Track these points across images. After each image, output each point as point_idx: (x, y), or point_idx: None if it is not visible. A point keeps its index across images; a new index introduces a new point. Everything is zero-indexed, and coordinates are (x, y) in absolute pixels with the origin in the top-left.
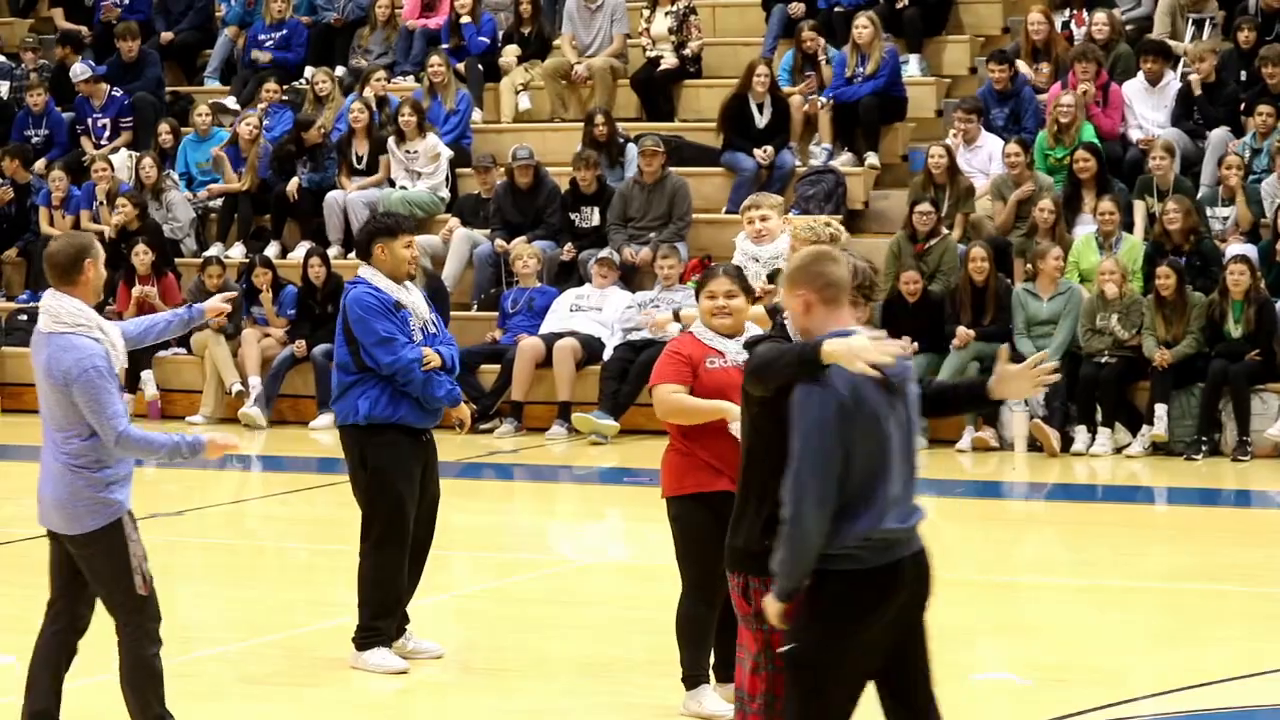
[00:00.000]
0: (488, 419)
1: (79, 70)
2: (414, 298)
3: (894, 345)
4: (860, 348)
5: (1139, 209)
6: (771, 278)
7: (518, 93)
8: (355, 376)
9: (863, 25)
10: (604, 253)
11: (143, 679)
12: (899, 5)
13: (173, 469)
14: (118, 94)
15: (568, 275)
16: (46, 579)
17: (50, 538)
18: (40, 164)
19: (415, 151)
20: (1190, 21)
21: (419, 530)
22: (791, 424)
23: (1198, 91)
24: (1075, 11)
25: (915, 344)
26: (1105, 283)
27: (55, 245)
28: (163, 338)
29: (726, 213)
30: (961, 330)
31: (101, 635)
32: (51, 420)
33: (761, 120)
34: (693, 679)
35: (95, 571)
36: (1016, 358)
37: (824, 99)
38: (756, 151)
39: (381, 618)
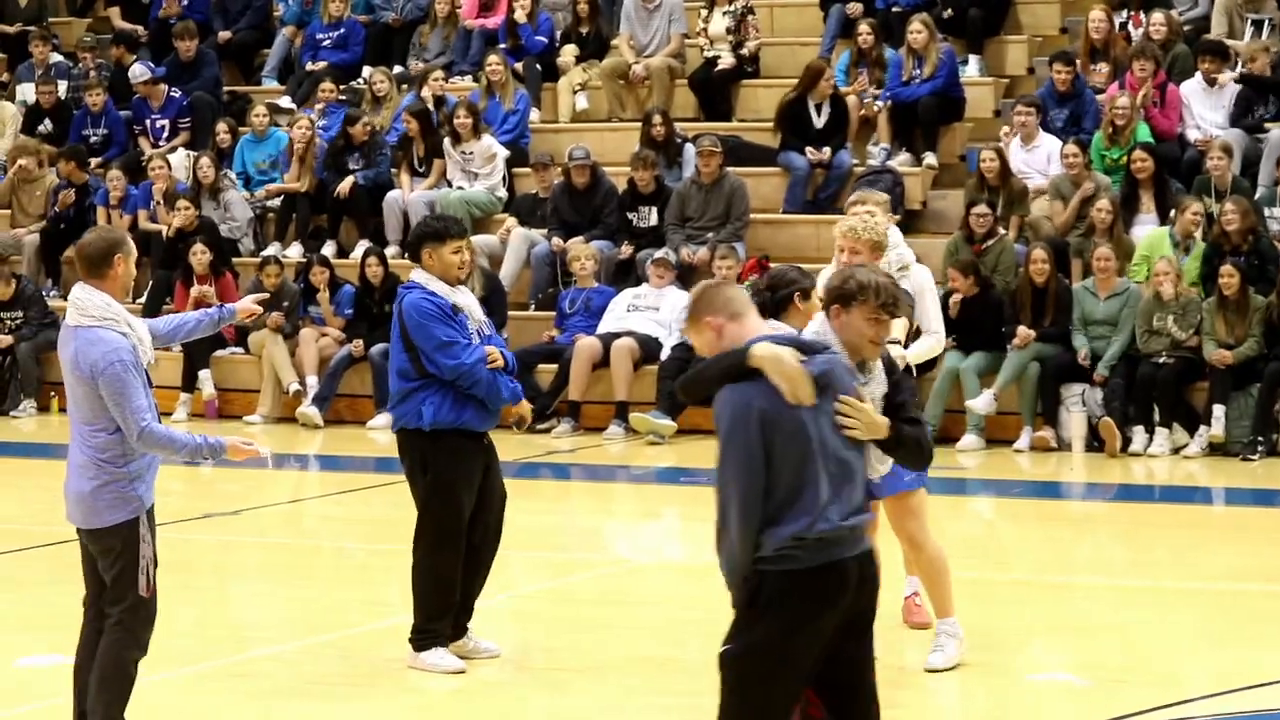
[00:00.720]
0: (545, 419)
1: (138, 71)
2: (469, 300)
3: (807, 388)
4: (788, 369)
5: (1185, 209)
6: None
7: (575, 92)
8: (417, 382)
9: (916, 30)
10: (661, 253)
11: (115, 680)
12: (951, 9)
13: (231, 469)
14: (176, 94)
15: (625, 275)
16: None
17: (79, 535)
18: (97, 163)
19: (471, 153)
20: (1249, 22)
21: (486, 532)
22: (716, 429)
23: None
24: (1133, 13)
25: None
26: (1161, 283)
27: (87, 239)
28: (193, 336)
29: (784, 213)
30: (1022, 330)
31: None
32: (78, 413)
33: (819, 121)
34: None
35: (106, 565)
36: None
37: (880, 103)
38: (810, 150)
39: (437, 619)
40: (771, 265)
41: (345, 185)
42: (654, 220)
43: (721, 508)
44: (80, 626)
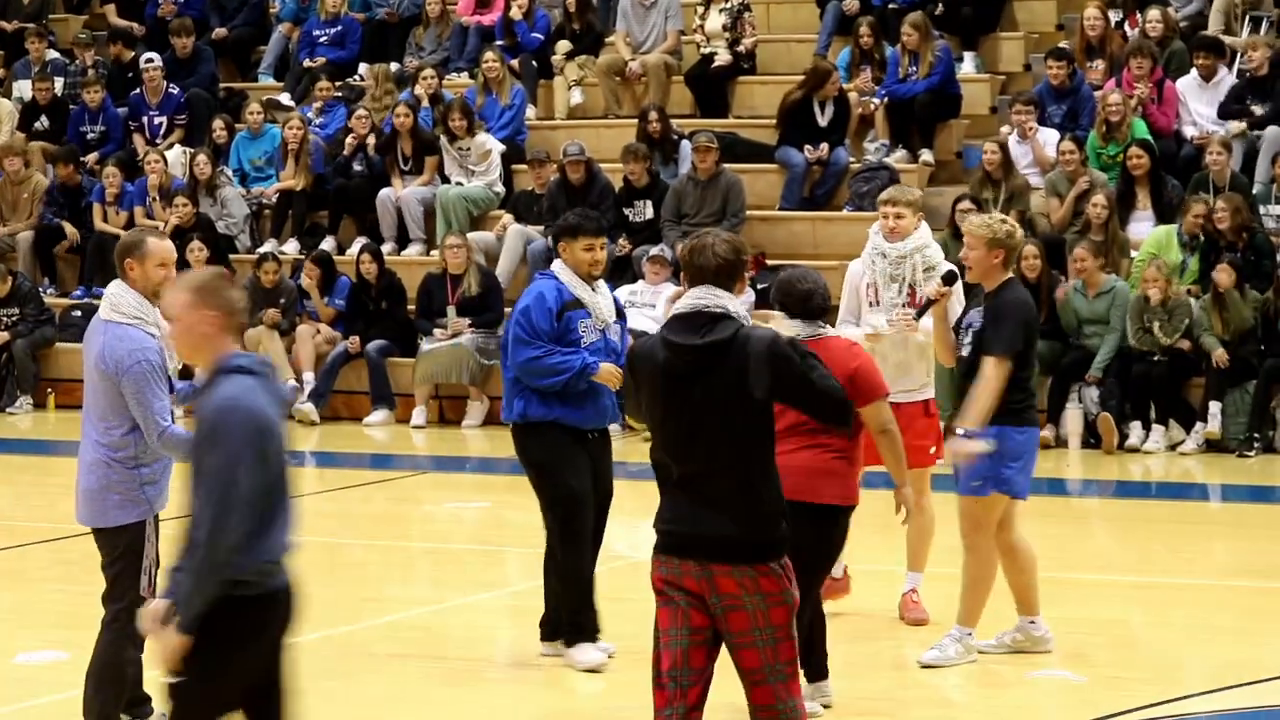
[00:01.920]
0: None
1: (147, 57)
2: (595, 298)
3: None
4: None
5: (1190, 208)
6: (949, 279)
7: (570, 88)
8: (513, 374)
9: (908, 32)
10: (656, 249)
11: (111, 680)
12: (943, 5)
13: None
14: (174, 91)
15: (621, 271)
16: (98, 574)
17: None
18: (93, 159)
19: (467, 149)
20: (1247, 19)
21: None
22: (209, 440)
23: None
24: (1130, 13)
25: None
26: (1149, 288)
27: (125, 237)
28: None
29: (780, 209)
30: None
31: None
32: (94, 409)
33: (824, 120)
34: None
35: (107, 564)
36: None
37: (876, 100)
38: (808, 148)
39: (581, 611)
40: (769, 262)
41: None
42: (649, 215)
43: (217, 528)
44: (101, 622)
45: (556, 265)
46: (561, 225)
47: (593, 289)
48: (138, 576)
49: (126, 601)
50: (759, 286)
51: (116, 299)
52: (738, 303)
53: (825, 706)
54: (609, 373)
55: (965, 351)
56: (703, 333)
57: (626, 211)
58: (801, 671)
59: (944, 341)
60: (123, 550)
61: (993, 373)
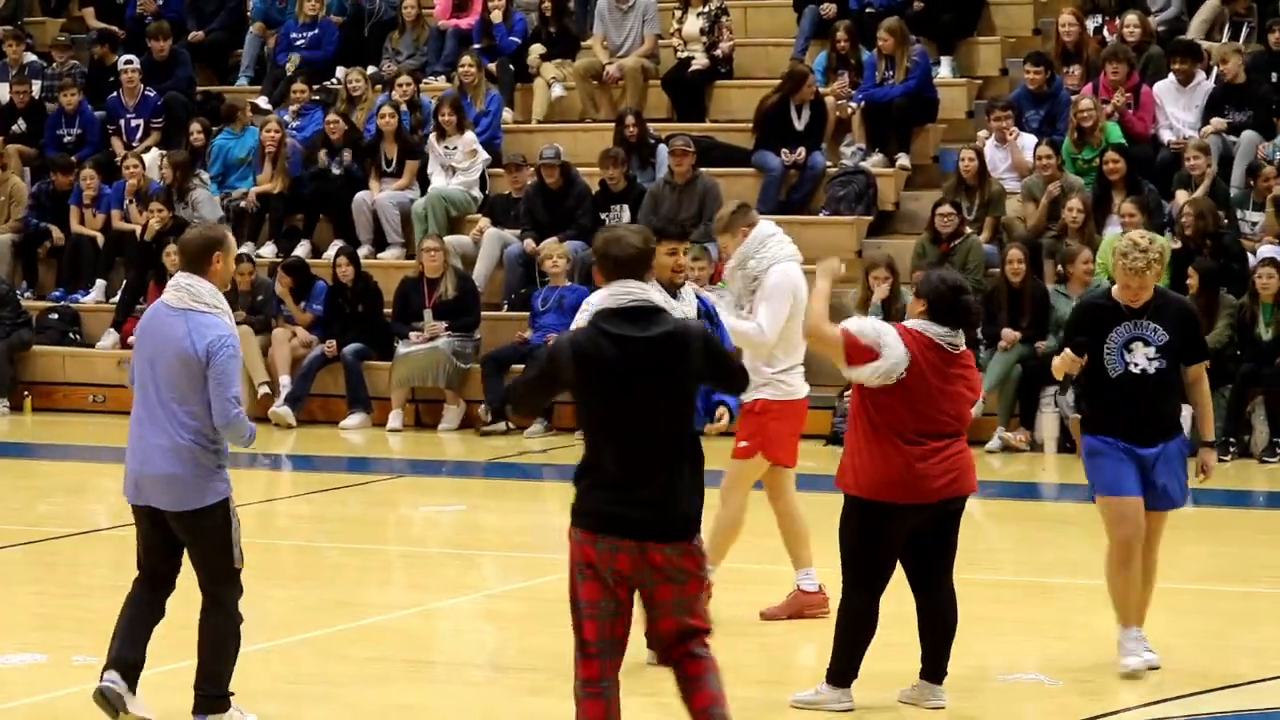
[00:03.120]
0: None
1: (124, 59)
2: (675, 307)
3: None
4: None
5: (1180, 202)
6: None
7: (550, 85)
8: None
9: (883, 38)
10: None
11: (232, 645)
12: (920, 6)
13: None
14: (151, 94)
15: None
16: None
17: (144, 514)
18: (70, 161)
19: (454, 147)
20: (1227, 25)
21: None
22: None
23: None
24: (1108, 19)
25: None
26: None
27: (190, 234)
28: None
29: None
30: (1008, 332)
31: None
32: (177, 395)
33: (800, 123)
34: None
35: (202, 545)
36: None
37: (854, 104)
38: (785, 152)
39: None
40: None
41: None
42: (627, 218)
43: None
44: (132, 592)
45: None
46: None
47: (675, 298)
48: (230, 550)
49: (224, 576)
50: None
51: (195, 289)
52: (656, 291)
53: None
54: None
55: (1122, 369)
56: (647, 326)
57: (603, 216)
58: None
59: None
60: (211, 529)
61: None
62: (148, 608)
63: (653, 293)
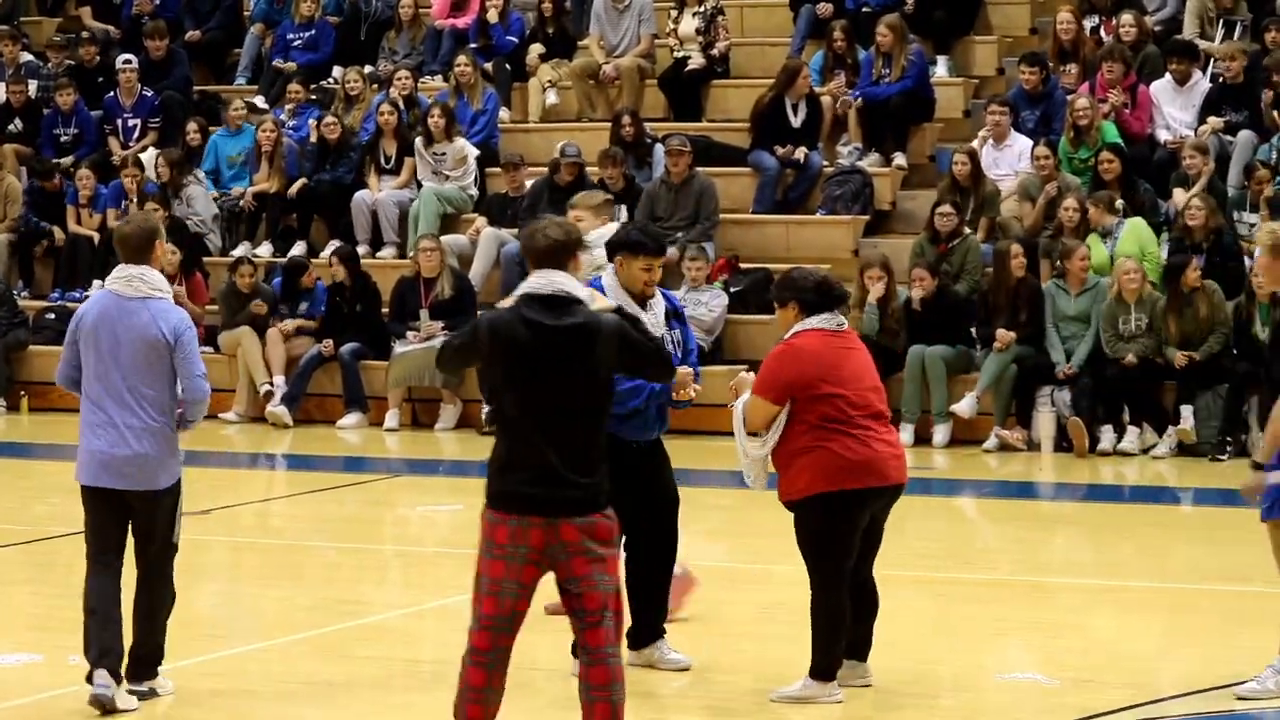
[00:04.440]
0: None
1: (123, 59)
2: (645, 318)
3: None
4: None
5: (1178, 200)
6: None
7: (545, 89)
8: None
9: (882, 34)
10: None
11: (165, 611)
12: (916, 5)
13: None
14: (148, 94)
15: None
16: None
17: (104, 498)
18: (68, 162)
19: (443, 154)
20: (1221, 24)
21: (649, 539)
22: None
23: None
24: (1104, 18)
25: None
26: (1128, 282)
27: (127, 228)
28: None
29: (753, 213)
30: (1002, 332)
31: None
32: (142, 380)
33: (796, 121)
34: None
35: (158, 523)
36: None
37: (851, 97)
38: (780, 149)
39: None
40: (742, 265)
41: (294, 188)
42: (624, 218)
43: None
44: (89, 576)
45: (607, 279)
46: (623, 240)
47: (644, 307)
48: (173, 526)
49: (169, 548)
50: (732, 289)
51: (147, 278)
52: (577, 284)
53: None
54: (681, 378)
55: None
56: (560, 315)
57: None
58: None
59: None
60: (168, 506)
61: None
62: (112, 590)
63: (574, 284)
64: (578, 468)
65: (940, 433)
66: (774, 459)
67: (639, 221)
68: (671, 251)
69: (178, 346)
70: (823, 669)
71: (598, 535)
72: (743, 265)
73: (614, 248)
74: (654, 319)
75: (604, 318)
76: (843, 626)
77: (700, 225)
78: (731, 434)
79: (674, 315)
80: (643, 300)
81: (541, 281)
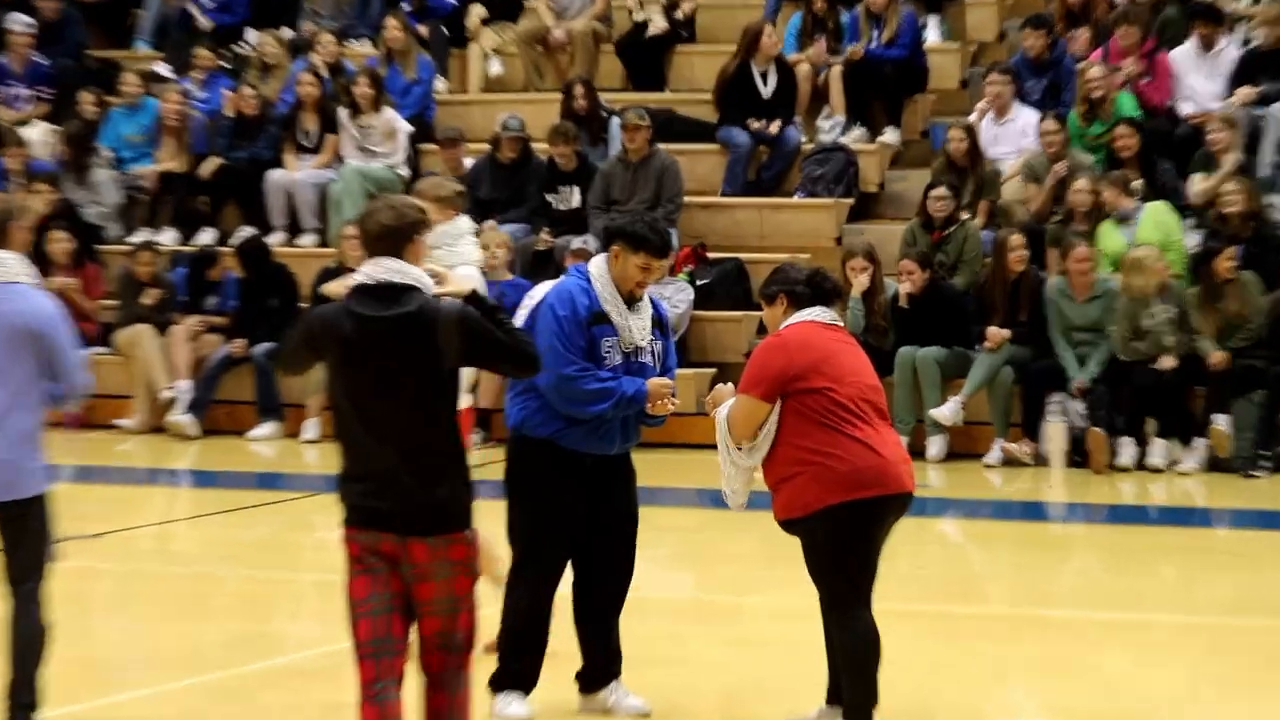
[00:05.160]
0: None
1: (17, 21)
2: (630, 319)
3: None
4: None
5: (1197, 185)
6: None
7: (487, 57)
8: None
9: None
10: (580, 241)
11: (40, 646)
12: None
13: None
14: (39, 60)
15: (543, 266)
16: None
17: None
18: None
19: (370, 127)
20: None
21: (599, 563)
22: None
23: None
24: None
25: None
26: (1152, 273)
27: (3, 202)
28: None
29: (722, 195)
30: (993, 330)
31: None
32: (15, 377)
33: (766, 91)
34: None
35: (32, 535)
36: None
37: (832, 61)
38: (754, 123)
39: (517, 657)
40: (710, 255)
41: (208, 168)
42: (576, 203)
43: None
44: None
45: (595, 267)
46: (628, 230)
47: (631, 308)
48: (50, 544)
49: (42, 570)
50: (698, 282)
51: (13, 263)
52: (420, 272)
53: None
54: (658, 389)
55: None
56: (389, 306)
57: (550, 198)
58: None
59: None
60: (41, 517)
61: None
62: None
63: (409, 271)
64: (425, 477)
65: (935, 445)
66: (766, 472)
67: (644, 213)
68: None
69: (55, 335)
70: (860, 707)
71: (451, 557)
72: (710, 255)
73: (613, 236)
74: (639, 324)
75: (443, 305)
76: (876, 651)
77: (662, 208)
78: (696, 445)
79: (658, 325)
80: (630, 301)
81: (372, 270)
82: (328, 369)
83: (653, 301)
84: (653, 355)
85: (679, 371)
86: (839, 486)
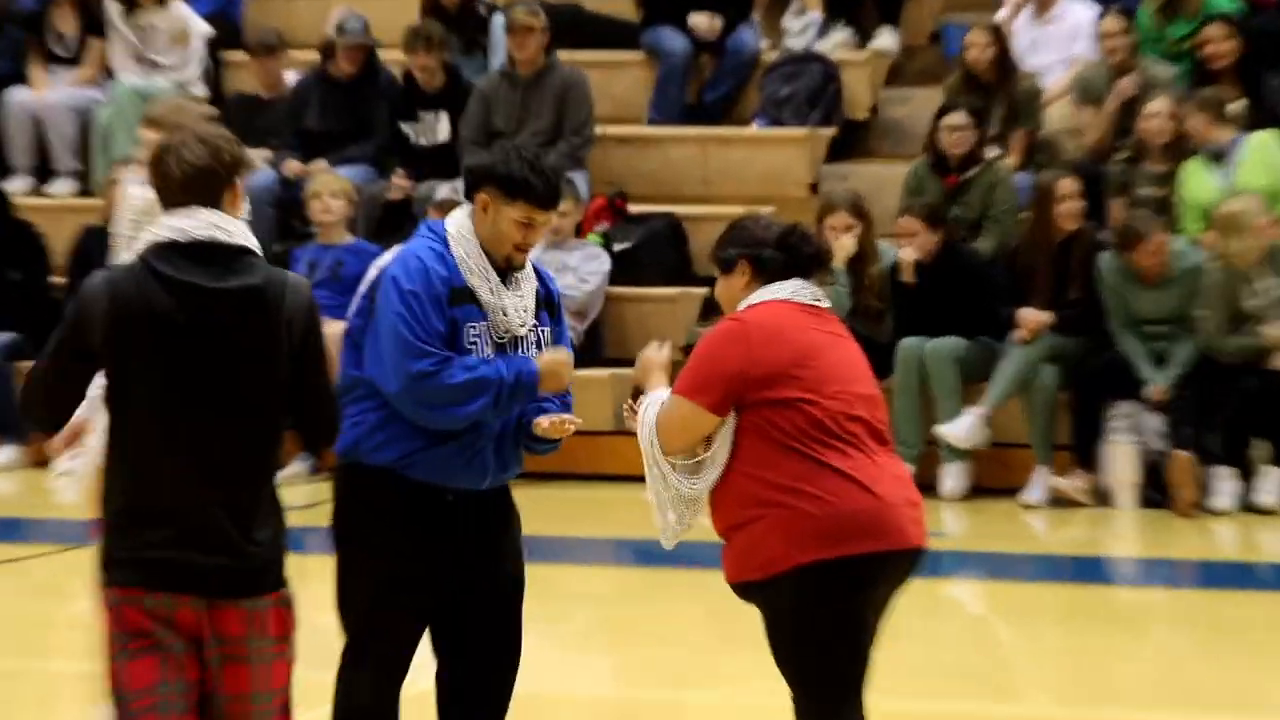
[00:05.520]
0: None
1: None
2: (506, 298)
3: None
4: None
5: None
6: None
7: None
8: (352, 376)
9: None
10: (447, 189)
11: None
12: None
13: None
14: None
15: (396, 224)
16: None
17: None
18: None
19: (152, 27)
20: None
21: (475, 649)
22: None
23: None
24: None
25: None
26: (1257, 232)
27: None
28: None
29: (650, 123)
30: (1028, 314)
31: None
32: None
33: None
34: None
35: None
36: None
37: None
38: (694, 20)
39: None
40: (631, 209)
41: None
42: (443, 136)
43: None
44: None
45: (455, 224)
46: (499, 170)
47: (506, 282)
48: None
49: None
50: (616, 247)
51: None
52: (244, 228)
53: None
54: (553, 367)
55: None
56: (222, 274)
57: (407, 129)
58: None
59: None
60: None
61: None
62: None
63: (239, 228)
64: (247, 520)
65: (953, 477)
66: (713, 513)
67: (526, 146)
68: None
69: None
70: None
71: (270, 630)
72: (633, 209)
73: (479, 178)
74: (517, 305)
75: (291, 278)
76: None
77: (565, 143)
78: (614, 477)
79: (546, 304)
80: (505, 272)
81: (187, 222)
82: (113, 364)
83: (538, 273)
84: (538, 349)
85: (589, 374)
86: (817, 538)
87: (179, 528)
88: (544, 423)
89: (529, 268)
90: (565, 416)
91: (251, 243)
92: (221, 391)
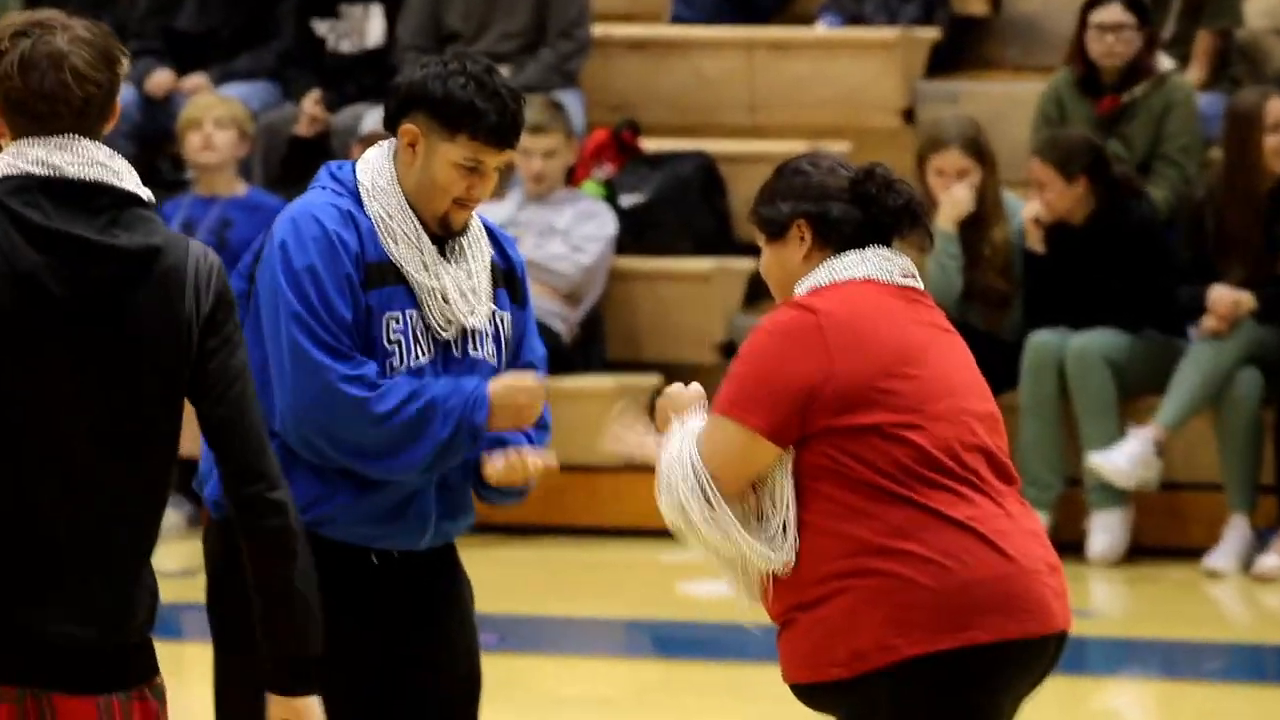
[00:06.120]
0: None
1: None
2: (443, 275)
3: None
4: None
5: None
6: None
7: None
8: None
9: None
10: (375, 120)
11: None
12: None
13: None
14: None
15: (308, 167)
16: None
17: None
18: None
19: None
20: None
21: None
22: None
23: None
24: None
25: None
26: None
27: None
28: None
29: (674, 20)
30: (1221, 294)
31: None
32: None
33: None
34: None
35: None
36: None
37: None
38: None
39: None
40: (643, 146)
41: None
42: (374, 39)
43: None
44: None
45: (369, 168)
46: (432, 91)
47: (445, 252)
48: None
49: None
50: (624, 202)
51: None
52: (127, 166)
53: None
54: (509, 396)
55: None
56: (109, 228)
57: (323, 29)
58: None
59: None
60: None
61: None
62: None
63: (123, 165)
64: (115, 576)
65: (1106, 530)
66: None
67: (475, 56)
68: None
69: None
70: None
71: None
72: (648, 146)
73: (405, 102)
74: (462, 283)
75: (194, 244)
76: None
77: (548, 51)
78: (618, 531)
79: (505, 278)
80: (444, 238)
81: (61, 156)
82: None
83: (492, 235)
84: (498, 344)
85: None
86: (930, 620)
87: (16, 586)
88: (493, 469)
89: (476, 227)
90: (527, 453)
91: (145, 192)
92: (91, 385)
